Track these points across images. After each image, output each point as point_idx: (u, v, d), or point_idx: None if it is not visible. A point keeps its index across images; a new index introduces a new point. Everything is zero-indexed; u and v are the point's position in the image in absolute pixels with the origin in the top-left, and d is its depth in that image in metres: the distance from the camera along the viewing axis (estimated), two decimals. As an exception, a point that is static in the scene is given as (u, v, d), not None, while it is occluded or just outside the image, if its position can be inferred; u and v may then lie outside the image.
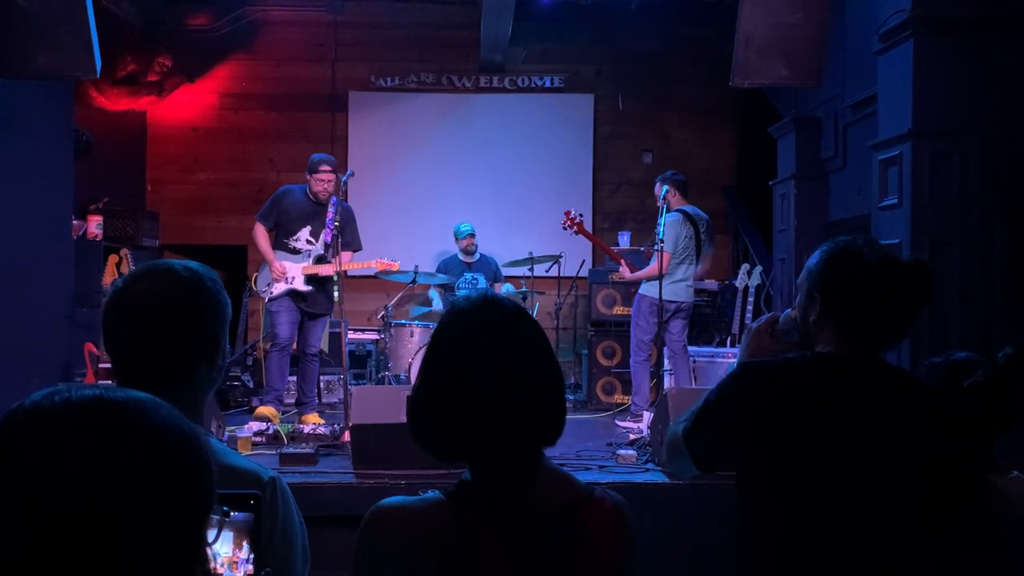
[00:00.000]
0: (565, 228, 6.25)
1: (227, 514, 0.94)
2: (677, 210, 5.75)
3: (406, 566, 1.18)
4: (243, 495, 0.98)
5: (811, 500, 1.63)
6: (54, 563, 0.69)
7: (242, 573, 0.97)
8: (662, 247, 5.51)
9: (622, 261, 5.99)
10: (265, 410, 5.39)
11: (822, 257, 1.76)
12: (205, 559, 0.78)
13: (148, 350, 1.32)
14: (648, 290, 5.69)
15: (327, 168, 5.45)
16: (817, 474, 1.62)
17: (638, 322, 5.75)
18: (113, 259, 6.32)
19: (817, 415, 1.64)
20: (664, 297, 5.54)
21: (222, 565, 0.98)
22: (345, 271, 5.27)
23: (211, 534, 0.81)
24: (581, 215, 6.30)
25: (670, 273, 5.63)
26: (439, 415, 1.26)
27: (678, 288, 5.64)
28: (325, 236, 5.42)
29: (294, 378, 5.80)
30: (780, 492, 1.66)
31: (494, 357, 1.26)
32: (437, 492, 1.26)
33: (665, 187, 5.76)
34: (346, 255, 5.49)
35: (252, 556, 0.98)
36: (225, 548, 0.97)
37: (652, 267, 5.67)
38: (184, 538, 0.76)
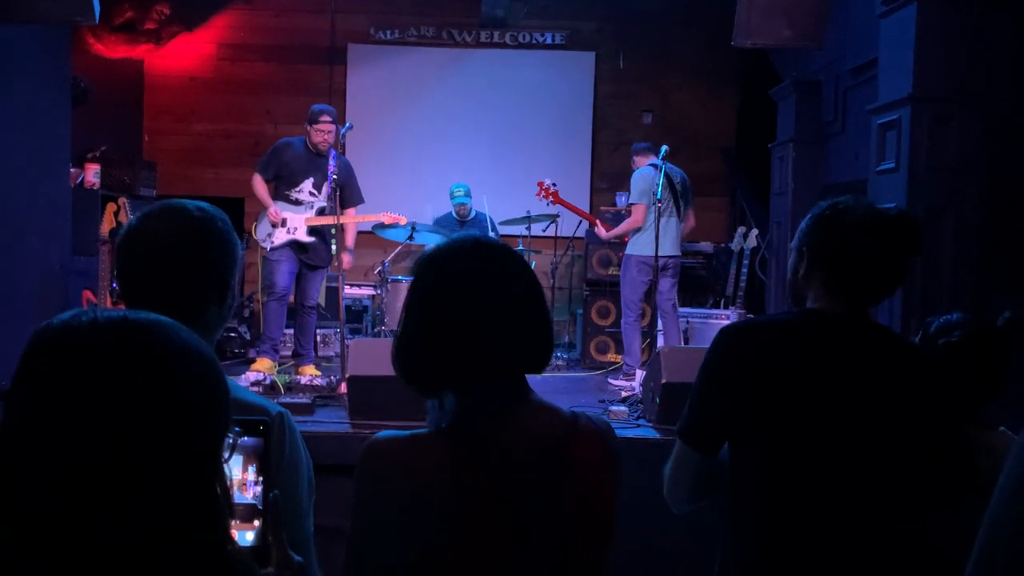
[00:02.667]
0: (540, 198, 6.28)
1: (240, 434, 0.99)
2: (648, 164, 5.78)
3: (403, 496, 1.23)
4: (253, 421, 1.02)
5: (796, 454, 1.66)
6: (80, 474, 0.73)
7: (251, 495, 1.02)
8: (659, 205, 5.49)
9: (597, 221, 6.06)
10: (262, 363, 5.43)
11: (810, 214, 1.79)
12: (223, 474, 0.83)
13: (160, 286, 1.35)
14: (634, 248, 5.73)
15: (327, 119, 5.42)
16: (801, 429, 1.66)
17: (626, 282, 5.78)
18: (111, 207, 6.31)
19: (801, 370, 1.66)
20: (650, 252, 5.56)
21: (232, 487, 1.02)
22: (346, 225, 5.29)
23: (225, 452, 0.85)
24: (555, 184, 6.30)
25: (651, 227, 5.62)
26: (426, 347, 1.30)
27: (663, 242, 5.58)
28: (327, 188, 5.42)
29: (291, 331, 5.84)
30: (766, 447, 1.69)
31: (482, 290, 1.29)
32: (429, 427, 1.30)
33: (633, 156, 5.97)
34: (351, 211, 5.55)
35: (261, 479, 1.02)
36: (235, 471, 1.01)
37: (628, 221, 5.72)
38: (203, 453, 0.80)
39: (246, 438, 1.00)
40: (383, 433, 1.29)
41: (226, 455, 0.85)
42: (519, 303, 1.32)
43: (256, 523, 1.02)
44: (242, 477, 1.01)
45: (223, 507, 0.81)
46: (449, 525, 1.21)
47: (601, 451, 1.33)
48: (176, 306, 1.29)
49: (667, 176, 5.67)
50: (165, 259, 1.36)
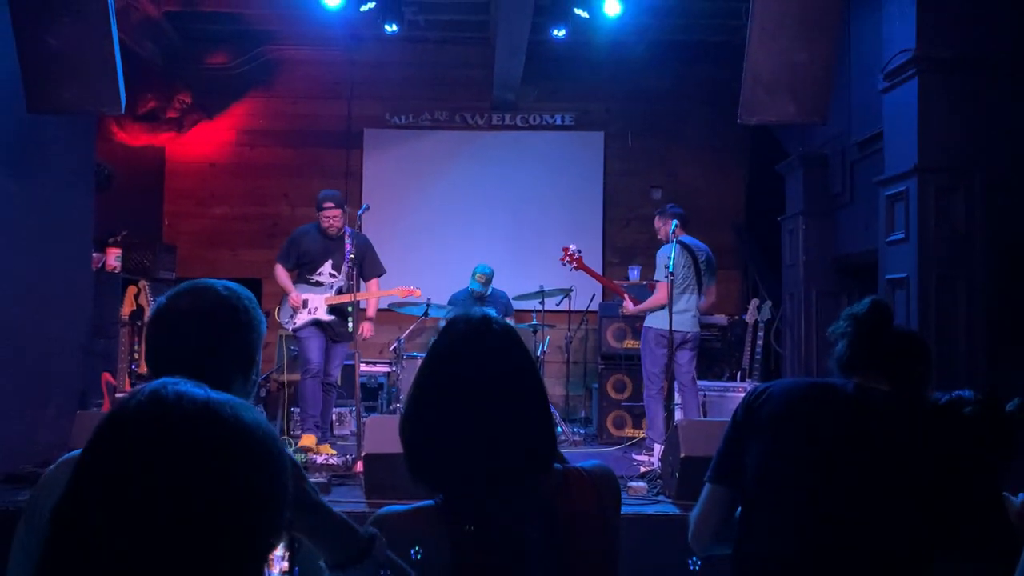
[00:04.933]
0: (564, 264, 6.23)
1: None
2: (675, 241, 5.82)
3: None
4: None
5: (806, 512, 1.70)
6: (145, 542, 0.73)
7: (278, 570, 1.03)
8: (672, 277, 5.52)
9: (625, 295, 6.04)
10: (307, 439, 5.52)
11: None
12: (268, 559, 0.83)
13: (188, 360, 1.38)
14: (652, 321, 5.73)
15: (330, 205, 5.60)
16: (816, 487, 1.70)
17: (646, 354, 5.78)
18: (132, 290, 6.42)
19: (794, 425, 1.76)
20: (665, 326, 5.54)
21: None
22: (365, 301, 5.41)
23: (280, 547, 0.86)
24: (580, 250, 6.25)
25: (672, 303, 5.64)
26: (424, 436, 1.31)
27: (683, 318, 5.64)
28: (346, 267, 5.54)
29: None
30: (772, 499, 1.75)
31: (481, 383, 1.30)
32: (432, 501, 1.31)
33: (662, 218, 5.89)
34: (374, 282, 5.76)
35: (287, 554, 1.03)
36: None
37: (654, 298, 5.72)
38: (266, 534, 0.80)
39: None
40: (386, 508, 1.31)
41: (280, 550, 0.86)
42: (522, 394, 1.32)
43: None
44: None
45: None
46: None
47: (592, 493, 1.34)
48: (203, 379, 1.32)
49: (690, 252, 5.73)
50: (193, 333, 1.42)
